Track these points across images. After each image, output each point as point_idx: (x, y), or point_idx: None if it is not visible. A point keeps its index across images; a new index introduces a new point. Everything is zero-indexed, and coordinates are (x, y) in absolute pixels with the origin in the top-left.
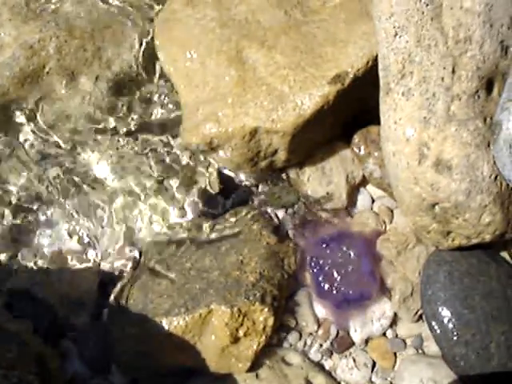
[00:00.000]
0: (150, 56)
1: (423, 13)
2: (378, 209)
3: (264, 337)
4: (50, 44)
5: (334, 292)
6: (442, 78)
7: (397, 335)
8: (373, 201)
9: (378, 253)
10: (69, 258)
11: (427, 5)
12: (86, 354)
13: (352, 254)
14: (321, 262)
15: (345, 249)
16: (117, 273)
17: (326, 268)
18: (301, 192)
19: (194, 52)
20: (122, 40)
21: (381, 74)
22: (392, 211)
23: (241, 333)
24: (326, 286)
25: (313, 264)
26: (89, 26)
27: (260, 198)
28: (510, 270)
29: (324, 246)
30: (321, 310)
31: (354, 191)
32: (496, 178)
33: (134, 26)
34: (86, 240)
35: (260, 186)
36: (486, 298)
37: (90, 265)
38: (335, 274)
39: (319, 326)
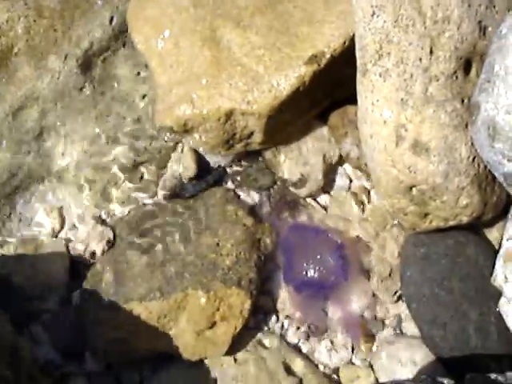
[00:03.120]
0: (121, 34)
1: None
2: (356, 189)
3: (241, 320)
4: (19, 24)
5: (297, 275)
6: (420, 59)
7: (375, 316)
8: (350, 181)
9: (351, 254)
10: (39, 241)
11: None
12: (58, 340)
13: (325, 244)
14: (290, 245)
15: (318, 238)
16: (89, 256)
17: (294, 253)
18: (277, 174)
19: (168, 32)
20: (92, 18)
21: (358, 54)
22: (369, 191)
23: (217, 317)
24: (290, 269)
25: (284, 249)
26: (58, 5)
27: (235, 180)
28: (487, 252)
29: (297, 232)
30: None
31: (330, 171)
32: (474, 159)
33: (104, 4)
34: (57, 223)
35: (235, 168)
36: (464, 280)
37: (60, 248)
38: (302, 261)
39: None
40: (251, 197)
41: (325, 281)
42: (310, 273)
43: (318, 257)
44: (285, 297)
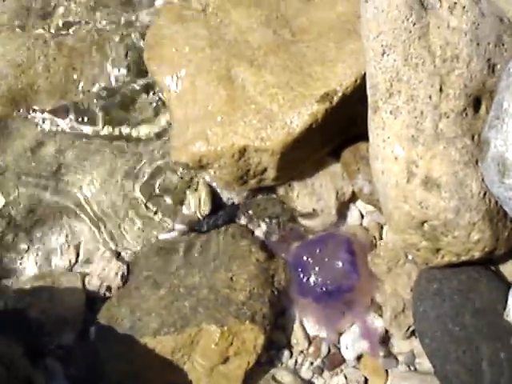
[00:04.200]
0: (138, 70)
1: (410, 32)
2: (368, 224)
3: (254, 356)
4: (39, 62)
5: (314, 286)
6: (430, 97)
7: (389, 352)
8: (362, 216)
9: (361, 252)
10: (56, 276)
11: (414, 24)
12: (73, 373)
13: (332, 251)
14: (301, 260)
15: (325, 247)
16: (104, 290)
17: (306, 266)
18: (288, 206)
19: (184, 71)
20: (108, 55)
21: (369, 92)
22: (382, 227)
23: (231, 352)
24: (306, 283)
25: (293, 264)
26: (77, 42)
27: (248, 214)
28: (499, 287)
29: (305, 246)
30: (301, 311)
31: (343, 207)
32: (485, 195)
33: (121, 40)
34: (73, 257)
35: (248, 203)
36: (477, 315)
37: (77, 282)
38: (314, 270)
39: (310, 344)
40: (263, 231)
41: (340, 284)
42: (325, 280)
43: (328, 262)
44: (298, 331)
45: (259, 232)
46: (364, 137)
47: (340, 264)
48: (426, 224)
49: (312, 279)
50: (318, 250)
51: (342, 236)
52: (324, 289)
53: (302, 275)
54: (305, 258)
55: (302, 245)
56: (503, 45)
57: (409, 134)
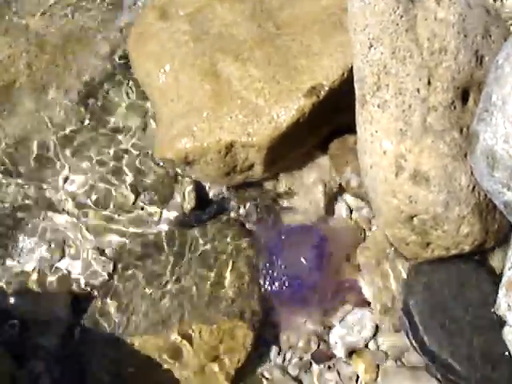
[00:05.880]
0: (122, 67)
1: (398, 24)
2: (356, 218)
3: (244, 353)
4: (21, 60)
5: (277, 280)
6: (418, 90)
7: (379, 347)
8: (351, 210)
9: (335, 249)
10: (40, 274)
11: (401, 16)
12: (59, 376)
13: (301, 244)
14: (271, 249)
15: (296, 238)
16: (90, 289)
17: (274, 256)
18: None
19: (168, 66)
20: (93, 52)
21: (356, 86)
22: (370, 220)
23: (220, 350)
24: (271, 275)
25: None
26: (59, 40)
27: (237, 210)
28: (489, 279)
29: (278, 234)
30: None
31: (331, 200)
32: (474, 188)
33: (104, 37)
34: (58, 255)
35: (237, 197)
36: (467, 308)
37: (62, 281)
38: (280, 262)
39: (299, 339)
40: (252, 227)
41: (300, 280)
42: (287, 274)
43: (295, 256)
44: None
45: (249, 226)
46: (352, 128)
47: (304, 260)
48: (415, 218)
49: (276, 272)
50: (288, 241)
51: (317, 230)
52: (285, 283)
53: (268, 266)
54: (275, 246)
55: (276, 231)
56: (491, 36)
57: (397, 127)
